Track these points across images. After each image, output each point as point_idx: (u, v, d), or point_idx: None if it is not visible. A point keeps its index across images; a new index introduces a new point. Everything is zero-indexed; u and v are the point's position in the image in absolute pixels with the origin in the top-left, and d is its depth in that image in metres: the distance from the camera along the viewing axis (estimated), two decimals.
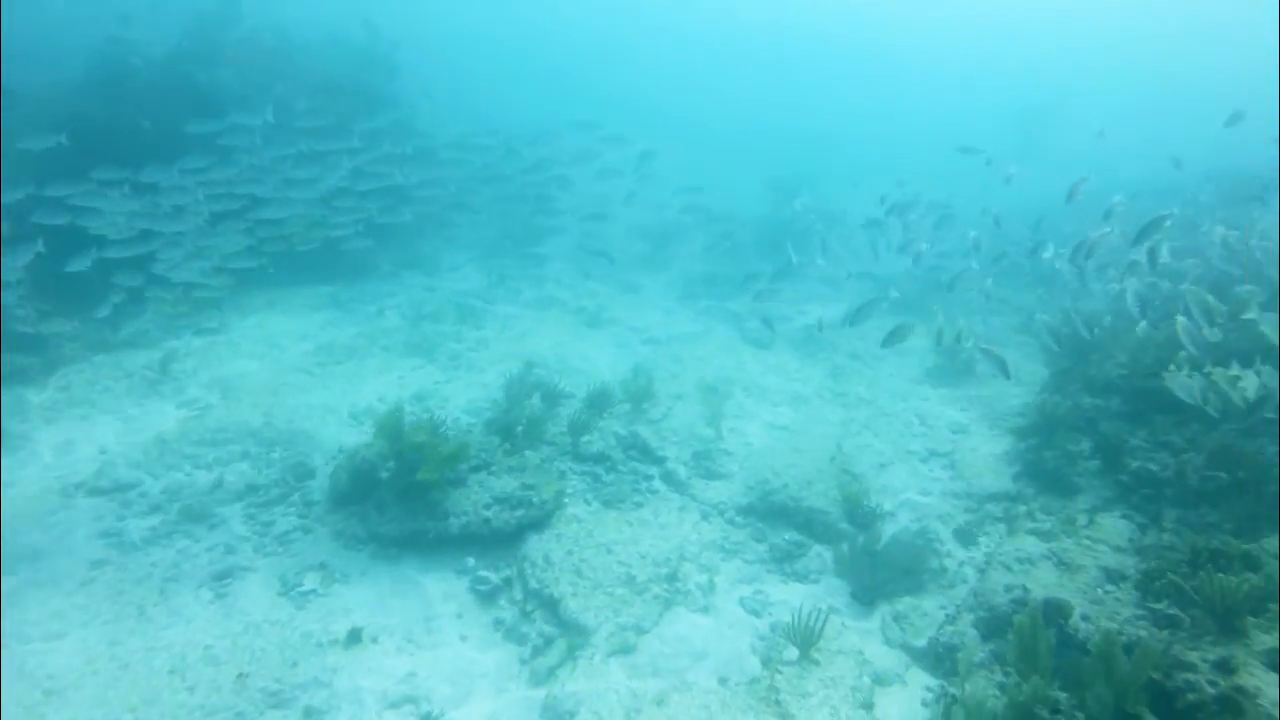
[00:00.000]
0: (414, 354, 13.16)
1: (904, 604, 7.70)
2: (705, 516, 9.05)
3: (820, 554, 8.53)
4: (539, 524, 8.59)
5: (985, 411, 11.05)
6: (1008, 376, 8.78)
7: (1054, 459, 9.29)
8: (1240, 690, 5.31)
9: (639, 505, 9.17)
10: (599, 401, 10.93)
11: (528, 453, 9.54)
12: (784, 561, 8.44)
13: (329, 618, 7.32)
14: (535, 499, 8.70)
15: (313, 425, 10.70)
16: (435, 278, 17.28)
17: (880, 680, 6.85)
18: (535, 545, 8.31)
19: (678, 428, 10.59)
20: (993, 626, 7.13)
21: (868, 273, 15.68)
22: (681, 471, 9.75)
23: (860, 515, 8.66)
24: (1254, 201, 14.84)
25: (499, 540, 8.46)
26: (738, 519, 9.01)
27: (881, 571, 8.10)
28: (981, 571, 7.93)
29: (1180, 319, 8.11)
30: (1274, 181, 14.78)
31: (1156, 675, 5.74)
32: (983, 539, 8.61)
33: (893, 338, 9.07)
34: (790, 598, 7.89)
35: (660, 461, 9.94)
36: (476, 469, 9.11)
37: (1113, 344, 10.96)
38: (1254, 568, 6.26)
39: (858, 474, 9.64)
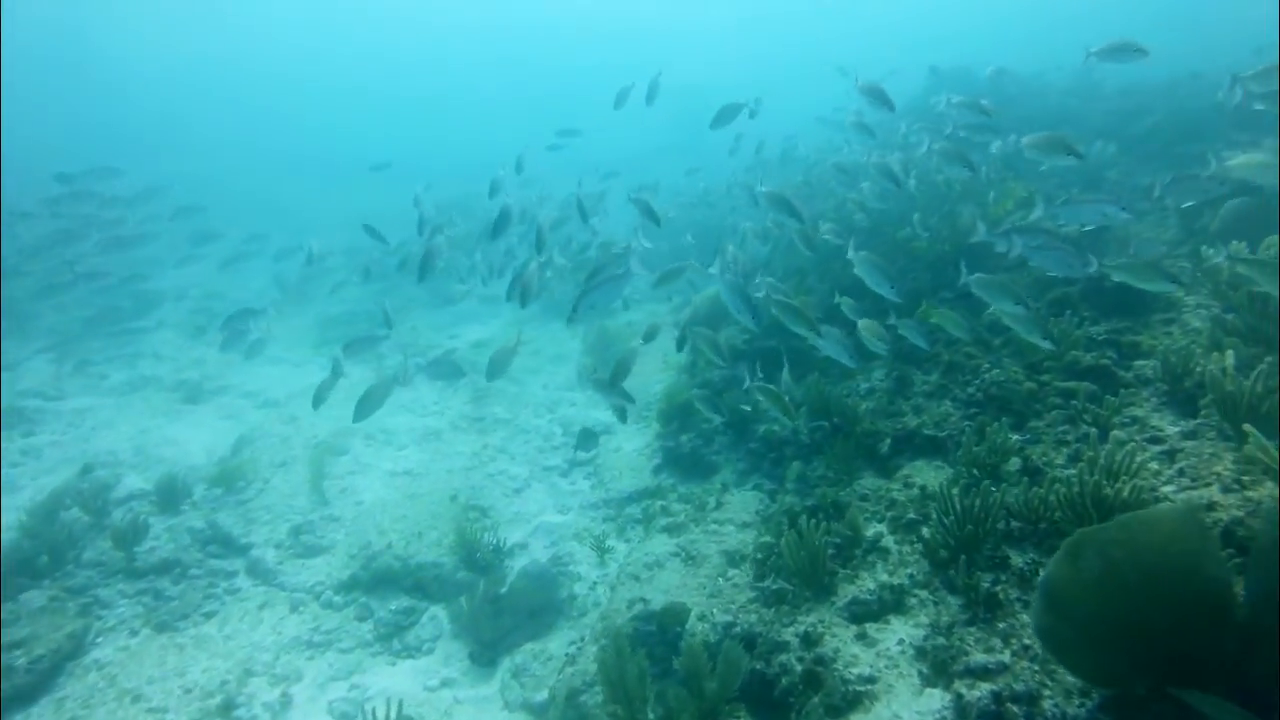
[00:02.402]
0: None
1: (526, 653, 6.76)
2: (296, 606, 7.51)
3: (435, 616, 7.38)
4: (32, 692, 6.46)
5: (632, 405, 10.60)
6: (680, 349, 8.32)
7: (690, 441, 8.98)
8: (820, 660, 4.94)
9: (209, 616, 7.39)
10: (170, 495, 8.92)
11: (30, 593, 7.32)
12: (392, 638, 7.16)
13: None
14: (23, 661, 6.54)
15: None
16: None
17: None
18: None
19: (274, 503, 8.91)
20: None
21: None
22: (271, 557, 8.11)
23: (480, 558, 7.62)
24: None
25: None
26: (336, 599, 7.58)
27: (506, 619, 7.12)
28: (613, 589, 7.20)
29: (764, 280, 8.02)
30: None
31: (759, 664, 5.27)
32: (622, 548, 7.96)
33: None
34: (396, 683, 6.62)
35: (245, 551, 8.21)
36: None
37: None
38: (839, 515, 6.08)
39: (486, 508, 8.67)
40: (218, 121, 52.53)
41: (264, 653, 6.85)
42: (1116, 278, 5.62)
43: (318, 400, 7.27)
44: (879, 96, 8.43)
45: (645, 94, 9.68)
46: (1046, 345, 5.86)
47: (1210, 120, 12.25)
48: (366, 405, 7.12)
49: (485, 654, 6.89)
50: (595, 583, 7.51)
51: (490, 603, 7.18)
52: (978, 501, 5.11)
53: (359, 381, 13.11)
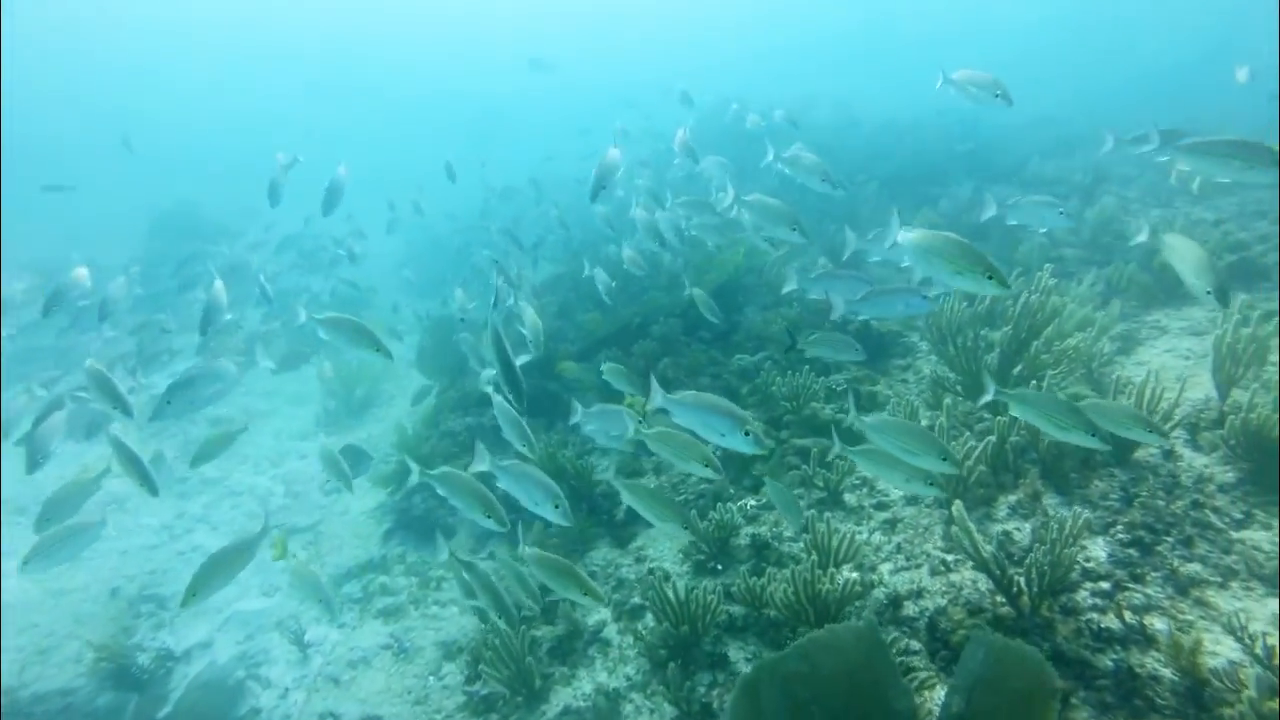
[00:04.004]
0: None
1: None
2: None
3: None
4: None
5: (374, 454, 9.45)
6: None
7: (424, 502, 8.05)
8: None
9: None
10: None
11: None
12: None
13: None
14: None
15: None
16: None
17: None
18: None
19: None
20: None
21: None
22: None
23: (136, 671, 6.20)
24: None
25: None
26: None
27: None
28: (308, 696, 6.10)
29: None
30: None
31: None
32: (333, 637, 6.83)
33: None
34: None
35: None
36: None
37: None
38: (550, 617, 5.43)
39: (166, 597, 7.19)
40: None
41: None
42: (1015, 410, 4.34)
43: None
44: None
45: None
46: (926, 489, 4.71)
47: (945, 164, 13.20)
48: None
49: None
50: (288, 689, 6.33)
51: None
52: (695, 599, 4.62)
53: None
